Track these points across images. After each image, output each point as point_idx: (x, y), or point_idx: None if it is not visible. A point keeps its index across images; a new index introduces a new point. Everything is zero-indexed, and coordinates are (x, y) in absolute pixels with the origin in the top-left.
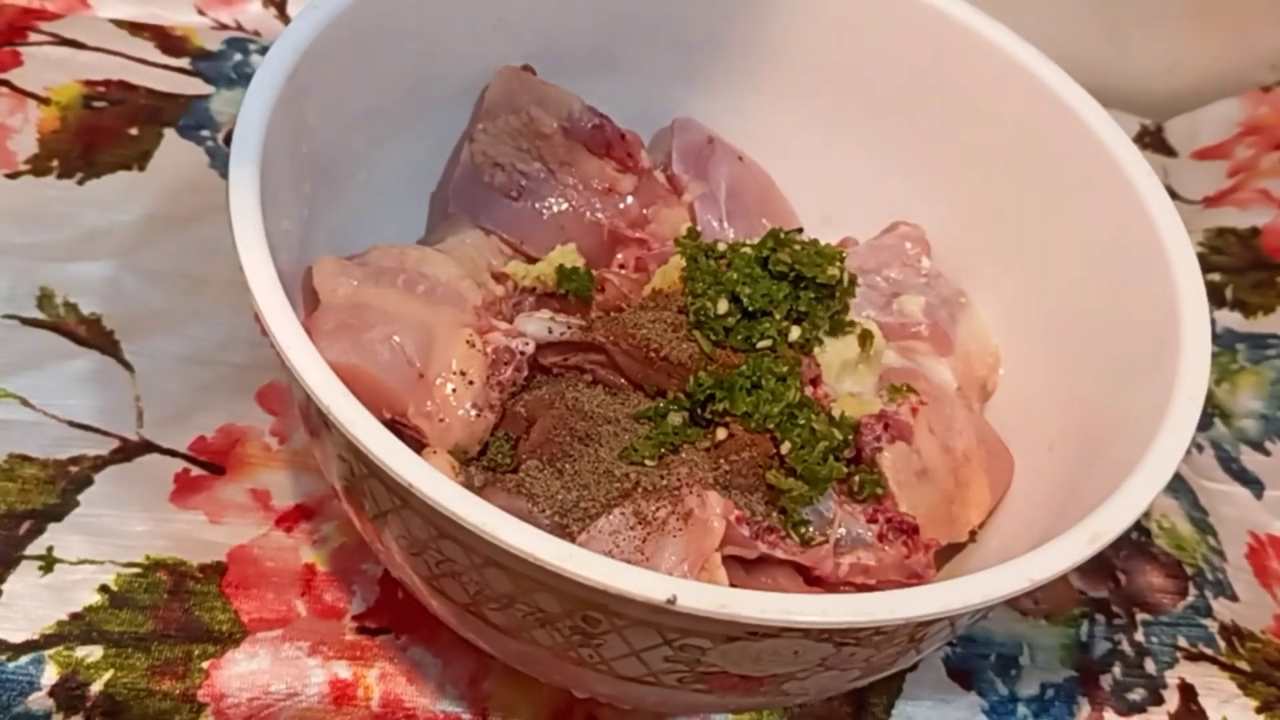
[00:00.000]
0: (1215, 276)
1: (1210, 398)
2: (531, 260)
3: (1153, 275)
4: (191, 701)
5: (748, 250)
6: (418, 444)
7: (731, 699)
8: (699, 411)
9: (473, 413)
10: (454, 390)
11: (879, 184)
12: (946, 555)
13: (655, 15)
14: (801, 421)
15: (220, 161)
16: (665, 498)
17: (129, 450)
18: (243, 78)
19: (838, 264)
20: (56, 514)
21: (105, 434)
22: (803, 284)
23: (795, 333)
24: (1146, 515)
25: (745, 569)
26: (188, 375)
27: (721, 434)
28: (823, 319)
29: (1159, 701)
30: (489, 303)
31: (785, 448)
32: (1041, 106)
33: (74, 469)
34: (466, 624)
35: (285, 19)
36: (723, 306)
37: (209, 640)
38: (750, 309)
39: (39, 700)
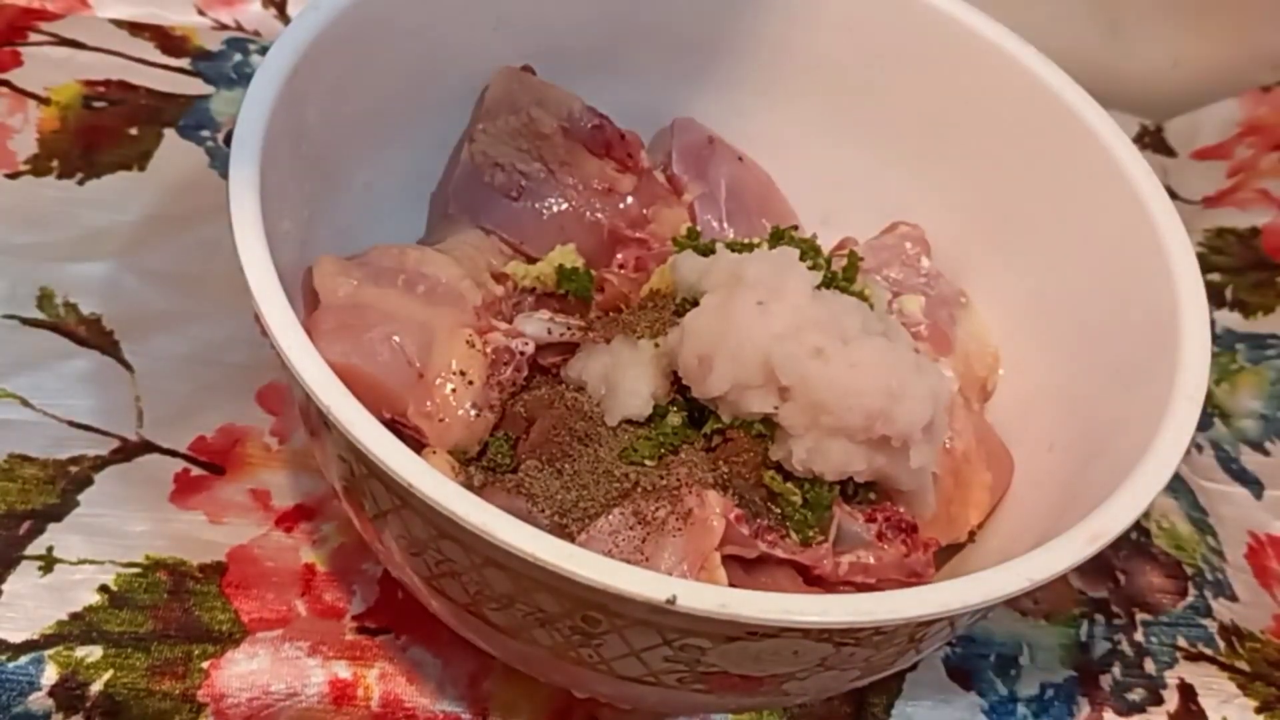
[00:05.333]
0: (1215, 276)
1: (1210, 398)
2: (531, 260)
3: (1153, 275)
4: (191, 701)
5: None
6: (418, 444)
7: (731, 699)
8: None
9: (472, 413)
10: (454, 390)
11: (879, 184)
12: (946, 555)
13: (655, 15)
14: None
15: (220, 162)
16: (665, 498)
17: (129, 450)
18: (243, 78)
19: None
20: (56, 514)
21: (105, 434)
22: None
23: None
24: (1146, 515)
25: (745, 569)
26: (188, 375)
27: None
28: None
29: (1159, 701)
30: (489, 303)
31: (775, 452)
32: (1041, 106)
33: (74, 469)
34: (466, 624)
35: (285, 19)
36: None
37: (209, 640)
38: None
39: (39, 700)
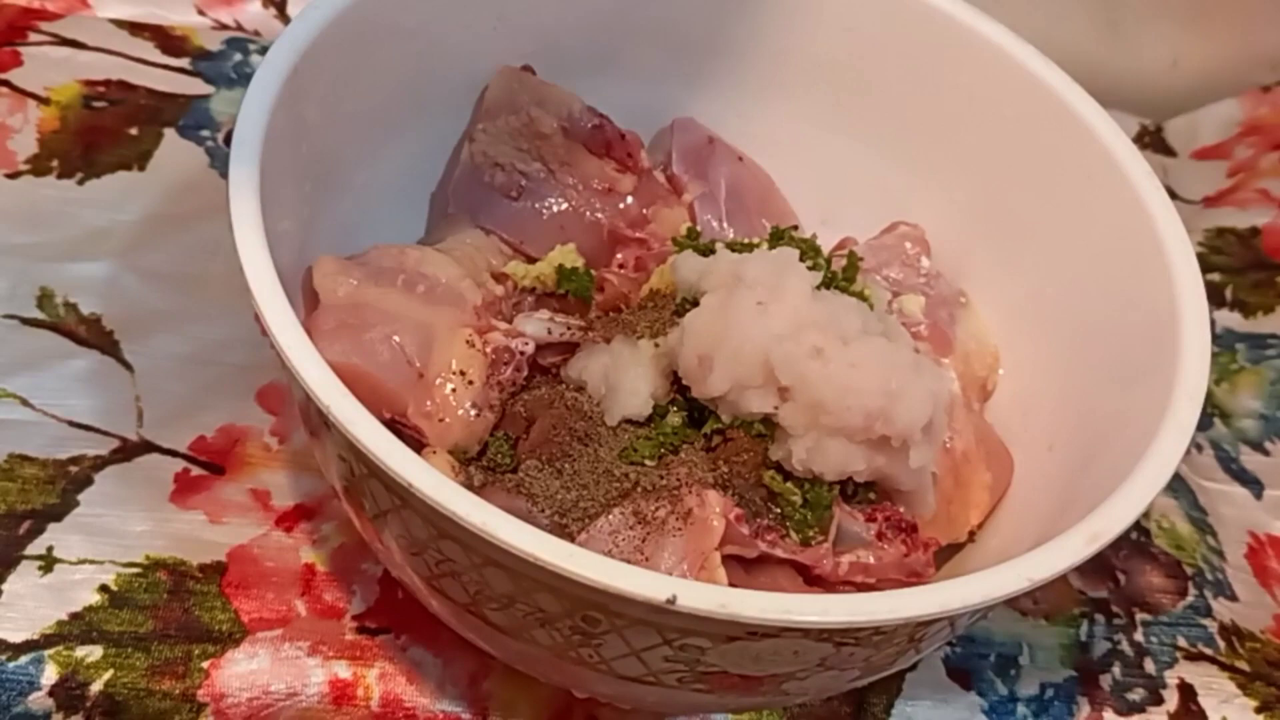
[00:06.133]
0: (1215, 276)
1: (1210, 398)
2: (531, 260)
3: (1153, 275)
4: (191, 701)
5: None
6: (418, 444)
7: (731, 699)
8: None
9: (472, 412)
10: (454, 390)
11: (879, 184)
12: (946, 555)
13: (655, 15)
14: None
15: (220, 161)
16: (665, 497)
17: (129, 450)
18: (243, 78)
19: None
20: (56, 514)
21: (105, 434)
22: None
23: None
24: (1146, 515)
25: (745, 568)
26: (188, 375)
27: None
28: None
29: (1158, 701)
30: (489, 303)
31: (775, 452)
32: (1041, 106)
33: (74, 469)
34: (466, 624)
35: (285, 19)
36: None
37: (209, 640)
38: None
39: (39, 700)
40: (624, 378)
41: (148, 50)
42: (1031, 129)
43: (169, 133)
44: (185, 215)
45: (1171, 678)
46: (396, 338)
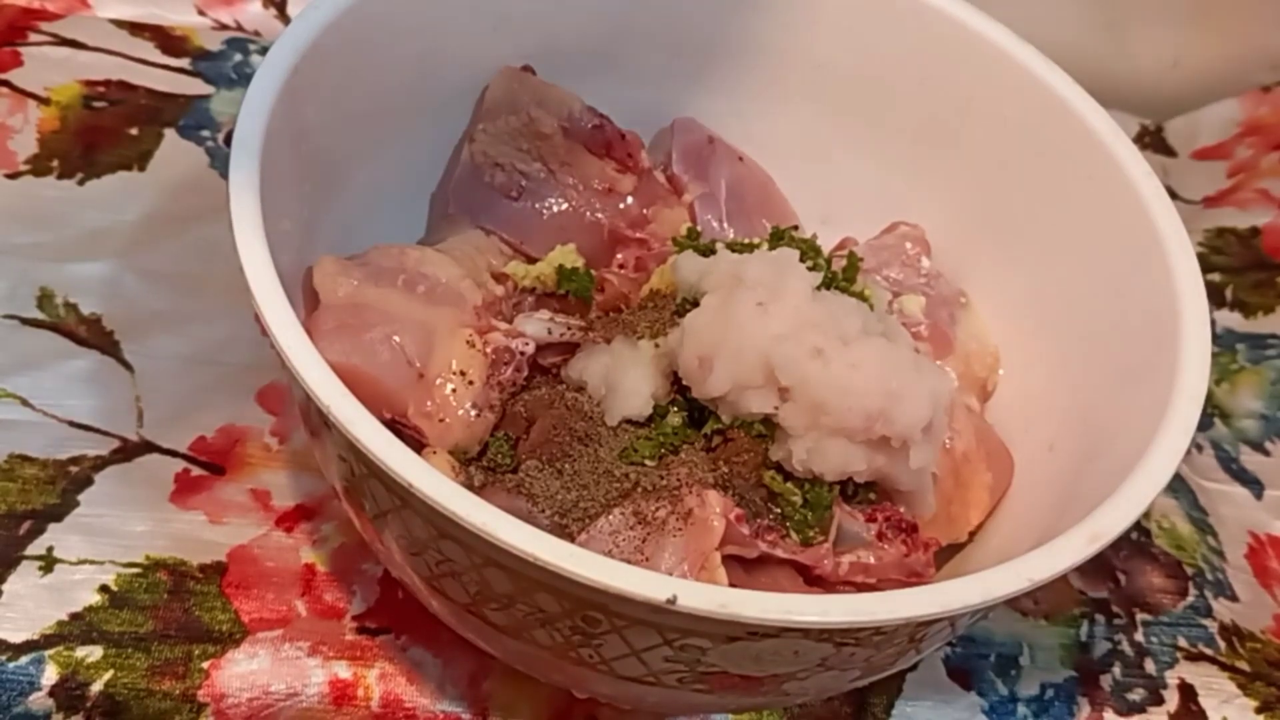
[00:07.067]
0: (1215, 276)
1: (1210, 398)
2: (531, 260)
3: (1153, 276)
4: (191, 701)
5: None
6: (418, 444)
7: (731, 699)
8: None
9: (473, 413)
10: (454, 390)
11: (879, 184)
12: (946, 555)
13: (655, 16)
14: None
15: (220, 162)
16: (665, 497)
17: (129, 450)
18: (243, 78)
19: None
20: (56, 514)
21: (105, 434)
22: None
23: None
24: (1146, 515)
25: (745, 568)
26: (188, 375)
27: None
28: None
29: (1159, 701)
30: (489, 303)
31: (775, 452)
32: (1041, 106)
33: (74, 469)
34: (466, 624)
35: (285, 19)
36: None
37: (209, 640)
38: None
39: (39, 700)
40: (624, 378)
41: (148, 50)
42: (1031, 129)
43: (169, 133)
44: (185, 215)
45: (1172, 678)
46: (397, 338)
